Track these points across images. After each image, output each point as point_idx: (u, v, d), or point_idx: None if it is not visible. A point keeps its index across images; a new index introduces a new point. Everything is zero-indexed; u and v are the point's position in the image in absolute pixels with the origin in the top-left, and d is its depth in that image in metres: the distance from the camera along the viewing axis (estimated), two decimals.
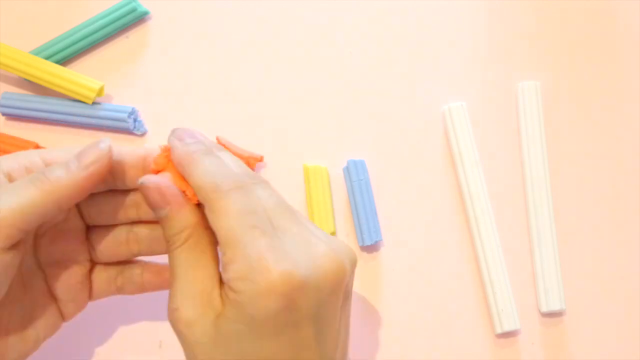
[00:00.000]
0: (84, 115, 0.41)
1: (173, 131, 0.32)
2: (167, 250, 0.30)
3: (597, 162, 0.43)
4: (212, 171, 0.29)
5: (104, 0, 0.44)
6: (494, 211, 0.41)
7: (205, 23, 0.44)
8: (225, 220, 0.28)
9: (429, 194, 0.42)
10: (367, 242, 0.39)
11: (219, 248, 0.29)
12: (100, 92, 0.41)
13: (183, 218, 0.30)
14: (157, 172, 0.31)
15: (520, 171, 0.42)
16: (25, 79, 0.42)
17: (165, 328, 0.39)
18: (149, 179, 0.30)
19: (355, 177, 0.40)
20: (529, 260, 0.41)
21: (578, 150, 0.43)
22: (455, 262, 0.41)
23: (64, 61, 0.43)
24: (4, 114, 0.42)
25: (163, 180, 0.30)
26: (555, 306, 0.39)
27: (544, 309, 0.39)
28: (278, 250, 0.27)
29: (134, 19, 0.43)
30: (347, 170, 0.41)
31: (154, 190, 0.30)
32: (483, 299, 0.40)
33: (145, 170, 0.32)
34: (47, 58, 0.42)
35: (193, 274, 0.29)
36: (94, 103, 0.41)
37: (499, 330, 0.39)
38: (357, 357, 0.39)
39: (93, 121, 0.41)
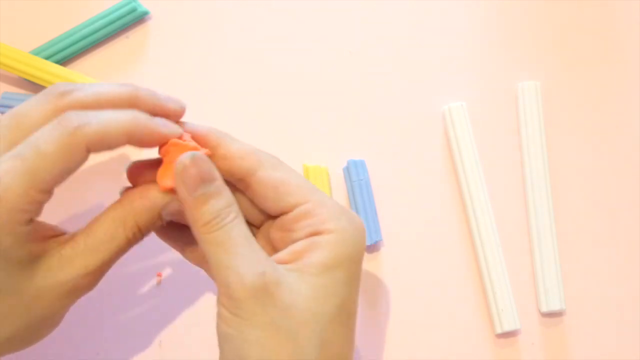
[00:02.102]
0: None
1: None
2: (214, 226, 0.28)
3: (597, 162, 0.43)
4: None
5: (104, 0, 0.44)
6: (494, 211, 0.41)
7: (205, 23, 0.44)
8: (293, 179, 0.30)
9: (429, 194, 0.42)
10: (367, 242, 0.39)
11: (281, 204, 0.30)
12: None
13: (229, 192, 0.29)
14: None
15: (520, 171, 0.42)
16: (25, 79, 0.42)
17: (165, 328, 0.39)
18: (197, 153, 0.29)
19: (355, 177, 0.40)
20: (529, 260, 0.41)
21: (578, 150, 0.43)
22: (455, 262, 0.41)
23: (64, 61, 0.43)
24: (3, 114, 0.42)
25: (204, 155, 0.29)
26: (555, 306, 0.39)
27: (544, 309, 0.39)
28: (346, 208, 0.31)
29: (134, 19, 0.44)
30: (347, 170, 0.41)
31: (206, 163, 0.29)
32: (483, 299, 0.40)
33: None
34: (47, 58, 0.42)
35: (256, 244, 0.29)
36: None
37: (499, 330, 0.39)
38: (357, 356, 0.39)
39: None
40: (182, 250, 0.34)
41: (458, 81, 0.44)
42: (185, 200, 0.29)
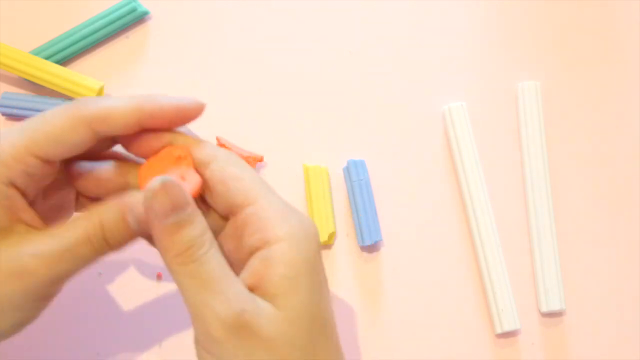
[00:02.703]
0: None
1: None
2: (188, 258, 0.27)
3: (597, 162, 0.43)
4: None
5: (104, 0, 0.44)
6: (494, 211, 0.41)
7: (205, 23, 0.44)
8: (246, 176, 0.29)
9: (429, 194, 0.42)
10: (367, 242, 0.39)
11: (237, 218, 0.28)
12: (100, 92, 0.41)
13: (202, 216, 0.28)
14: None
15: (520, 171, 0.42)
16: (25, 79, 0.42)
17: (165, 328, 0.39)
18: (167, 178, 0.27)
19: (355, 177, 0.40)
20: (529, 260, 0.41)
21: (578, 150, 0.43)
22: (455, 262, 0.41)
23: (64, 61, 0.43)
24: (4, 114, 0.42)
25: (176, 180, 0.28)
26: (555, 306, 0.39)
27: (544, 309, 0.39)
28: (294, 208, 0.29)
29: (134, 19, 0.44)
30: (347, 170, 0.41)
31: (178, 189, 0.27)
32: (483, 299, 0.40)
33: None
34: (47, 58, 0.42)
35: (233, 276, 0.27)
36: None
37: (499, 330, 0.39)
38: (357, 357, 0.39)
39: None
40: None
41: (458, 81, 0.44)
42: (154, 228, 0.27)
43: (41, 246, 0.27)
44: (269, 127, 0.43)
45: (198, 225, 0.27)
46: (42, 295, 0.29)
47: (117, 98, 0.29)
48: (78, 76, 0.41)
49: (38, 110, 0.41)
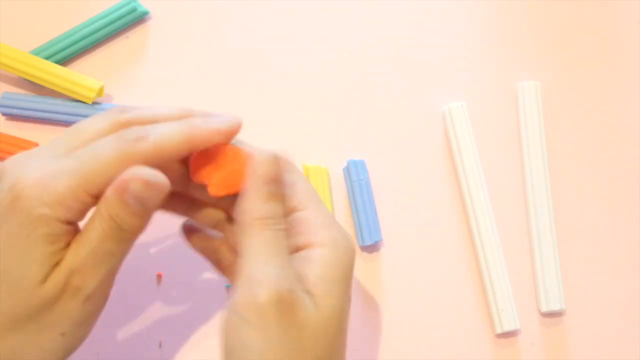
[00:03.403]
0: (84, 115, 0.41)
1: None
2: (266, 226, 0.29)
3: (597, 162, 0.43)
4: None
5: (104, 0, 0.44)
6: (494, 211, 0.41)
7: (205, 23, 0.44)
8: (303, 188, 0.31)
9: (429, 194, 0.42)
10: (367, 242, 0.39)
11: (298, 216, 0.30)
12: (100, 92, 0.41)
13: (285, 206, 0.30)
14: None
15: (520, 171, 0.42)
16: (25, 79, 0.42)
17: (165, 328, 0.39)
18: (278, 154, 0.30)
19: (355, 177, 0.40)
20: (529, 260, 0.41)
21: (578, 150, 0.43)
22: (455, 262, 0.41)
23: (64, 61, 0.43)
24: (4, 114, 0.42)
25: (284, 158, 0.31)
26: (555, 306, 0.39)
27: (544, 309, 0.39)
28: (338, 223, 0.31)
29: (134, 19, 0.44)
30: (347, 170, 0.41)
31: (283, 166, 0.30)
32: (483, 299, 0.40)
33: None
34: (47, 58, 0.42)
35: (289, 261, 0.29)
36: (94, 103, 0.41)
37: (499, 330, 0.39)
38: (357, 357, 0.39)
39: None
40: (186, 213, 0.34)
41: (458, 81, 0.44)
42: (250, 190, 0.29)
43: (74, 262, 0.29)
44: (269, 127, 0.43)
45: (282, 205, 0.30)
46: (97, 305, 0.31)
47: (165, 126, 0.29)
48: (78, 76, 0.41)
49: (38, 110, 0.41)
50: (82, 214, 0.29)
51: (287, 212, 0.30)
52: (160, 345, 0.39)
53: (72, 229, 0.29)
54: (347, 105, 0.43)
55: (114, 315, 0.39)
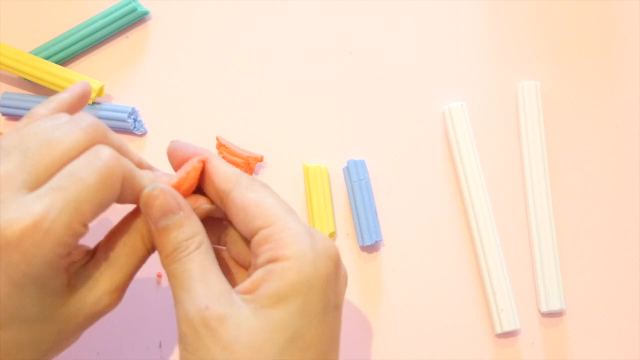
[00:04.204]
0: None
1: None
2: (173, 259, 0.29)
3: (597, 162, 0.43)
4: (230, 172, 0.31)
5: (104, 0, 0.44)
6: (494, 211, 0.41)
7: (205, 23, 0.44)
8: (266, 201, 0.30)
9: (429, 194, 0.42)
10: (367, 242, 0.39)
11: (250, 227, 0.29)
12: (100, 92, 0.41)
13: (195, 222, 0.30)
14: None
15: (520, 171, 0.42)
16: (25, 79, 0.42)
17: (165, 328, 0.39)
18: (160, 185, 0.29)
19: (355, 177, 0.40)
20: (529, 260, 0.41)
21: (578, 150, 0.43)
22: (455, 262, 0.41)
23: (64, 61, 0.43)
24: (4, 114, 0.42)
25: (170, 187, 0.30)
26: (555, 306, 0.39)
27: (544, 309, 0.39)
28: (314, 230, 0.30)
29: (134, 19, 0.44)
30: (347, 170, 0.41)
31: (170, 195, 0.29)
32: (483, 299, 0.40)
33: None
34: (47, 58, 0.42)
35: (212, 276, 0.28)
36: (94, 103, 0.41)
37: (499, 330, 0.39)
38: (357, 357, 0.39)
39: None
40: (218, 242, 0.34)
41: (458, 81, 0.44)
42: (151, 231, 0.30)
43: (114, 281, 0.30)
44: (269, 127, 0.43)
45: (187, 228, 0.29)
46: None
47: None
48: (78, 76, 0.41)
49: None
50: (78, 240, 0.28)
51: (254, 231, 0.29)
52: (160, 345, 0.39)
53: (72, 253, 0.29)
54: (347, 105, 0.43)
55: (114, 315, 0.39)
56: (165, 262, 0.29)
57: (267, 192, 0.30)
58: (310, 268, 0.28)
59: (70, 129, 0.29)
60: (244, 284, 0.28)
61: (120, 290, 0.30)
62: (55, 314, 0.29)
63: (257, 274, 0.28)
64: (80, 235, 0.28)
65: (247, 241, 0.31)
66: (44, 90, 0.42)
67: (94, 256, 0.30)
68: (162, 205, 0.29)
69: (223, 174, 0.30)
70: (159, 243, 0.29)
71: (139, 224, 0.30)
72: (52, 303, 0.28)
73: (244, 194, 0.30)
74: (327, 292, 0.28)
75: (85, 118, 0.29)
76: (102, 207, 0.28)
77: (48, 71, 0.41)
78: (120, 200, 0.29)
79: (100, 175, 0.27)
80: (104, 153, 0.28)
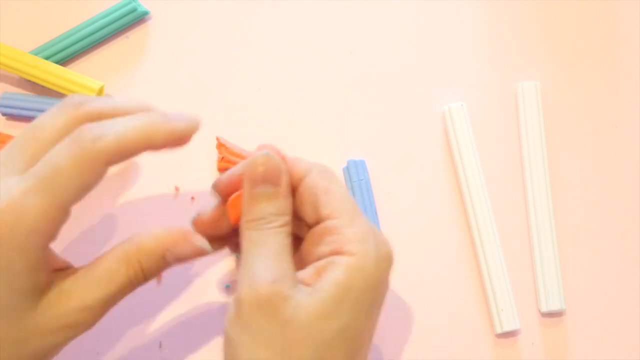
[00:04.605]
0: None
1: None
2: (256, 225, 0.29)
3: (597, 162, 0.43)
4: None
5: (104, 0, 0.44)
6: (494, 211, 0.41)
7: (205, 23, 0.44)
8: (336, 191, 0.30)
9: (429, 194, 0.42)
10: None
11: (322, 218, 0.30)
12: (100, 92, 0.41)
13: (288, 203, 0.30)
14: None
15: (520, 171, 0.42)
16: (25, 79, 0.42)
17: (165, 328, 0.39)
18: (270, 154, 0.30)
19: (355, 177, 0.40)
20: (529, 260, 0.41)
21: (578, 150, 0.43)
22: (455, 262, 0.41)
23: (64, 61, 0.43)
24: (4, 114, 0.42)
25: (279, 158, 0.30)
26: (555, 306, 0.39)
27: (544, 309, 0.39)
28: (378, 230, 0.31)
29: (134, 19, 0.44)
30: (347, 170, 0.41)
31: (276, 166, 0.30)
32: (483, 299, 0.40)
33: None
34: (47, 58, 0.42)
35: (286, 257, 0.29)
36: None
37: (499, 330, 0.39)
38: None
39: None
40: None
41: (458, 81, 0.44)
42: (244, 192, 0.30)
43: (87, 299, 0.29)
44: (269, 127, 0.43)
45: (278, 203, 0.30)
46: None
47: (122, 122, 0.29)
48: (78, 76, 0.41)
49: (38, 110, 0.41)
50: (56, 232, 0.28)
51: (319, 219, 0.30)
52: (160, 346, 0.39)
53: (50, 251, 0.29)
54: (347, 105, 0.43)
55: (114, 315, 0.39)
56: (246, 226, 0.29)
57: (338, 182, 0.31)
58: (372, 269, 0.29)
59: (54, 113, 0.29)
60: (306, 272, 0.29)
61: (90, 310, 0.29)
62: (20, 318, 0.28)
63: (319, 264, 0.29)
64: (57, 221, 0.27)
65: (304, 225, 0.31)
66: (44, 90, 0.42)
67: (75, 272, 0.30)
68: (265, 173, 0.30)
69: (297, 160, 0.31)
70: (248, 205, 0.30)
71: (124, 251, 0.30)
72: (20, 303, 0.27)
73: (316, 181, 0.30)
74: (378, 292, 0.30)
75: (69, 100, 0.29)
76: (81, 190, 0.27)
77: (48, 71, 0.41)
78: (159, 147, 0.29)
79: (75, 160, 0.27)
80: (82, 136, 0.27)
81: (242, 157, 0.41)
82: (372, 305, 0.29)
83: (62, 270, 0.30)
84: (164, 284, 0.40)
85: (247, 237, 0.29)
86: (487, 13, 0.45)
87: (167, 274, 0.40)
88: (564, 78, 0.44)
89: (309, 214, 0.31)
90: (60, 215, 0.27)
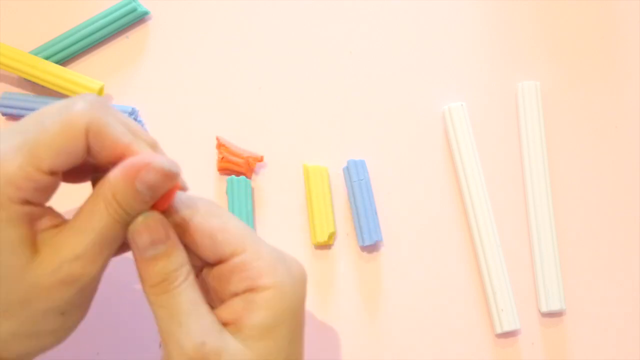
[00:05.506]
0: None
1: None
2: (161, 290, 0.28)
3: (597, 161, 0.43)
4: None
5: (104, 0, 0.44)
6: (494, 211, 0.41)
7: (205, 23, 0.44)
8: (231, 226, 0.29)
9: (429, 194, 0.42)
10: (367, 242, 0.39)
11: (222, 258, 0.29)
12: (100, 92, 0.41)
13: (182, 252, 0.29)
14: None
15: (520, 171, 0.42)
16: (25, 79, 0.42)
17: None
18: (150, 214, 0.28)
19: (355, 177, 0.40)
20: (529, 260, 0.41)
21: (578, 150, 0.43)
22: (455, 262, 0.41)
23: (64, 61, 0.43)
24: (4, 114, 0.42)
25: (158, 214, 0.29)
26: (555, 306, 0.39)
27: (544, 309, 0.39)
28: (283, 251, 0.30)
29: (134, 19, 0.44)
30: (347, 170, 0.41)
31: (159, 225, 0.28)
32: (483, 299, 0.40)
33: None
34: (47, 58, 0.42)
35: (203, 309, 0.28)
36: None
37: (499, 330, 0.39)
38: (357, 356, 0.39)
39: None
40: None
41: (458, 81, 0.44)
42: (136, 259, 0.29)
43: (76, 248, 0.28)
44: (269, 127, 0.43)
45: (175, 259, 0.28)
46: (90, 292, 0.30)
47: (112, 118, 0.28)
48: (78, 76, 0.41)
49: None
50: (38, 193, 0.27)
51: (222, 258, 0.29)
52: (160, 345, 0.39)
53: (36, 210, 0.28)
54: (347, 105, 0.43)
55: (114, 315, 0.39)
56: (152, 292, 0.28)
57: (229, 215, 0.30)
58: (291, 295, 0.28)
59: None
60: (221, 313, 0.28)
61: (82, 260, 0.28)
62: (16, 276, 0.27)
63: (236, 304, 0.28)
64: (37, 181, 0.27)
65: (206, 265, 0.30)
66: (44, 90, 0.42)
67: (64, 223, 0.29)
68: (151, 235, 0.28)
69: (179, 199, 0.29)
70: (145, 273, 0.28)
71: (99, 188, 0.28)
72: (10, 259, 0.27)
73: (208, 221, 0.29)
74: (301, 314, 0.29)
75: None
76: (61, 156, 0.27)
77: (48, 71, 0.41)
78: (94, 157, 0.28)
79: (61, 123, 0.27)
80: (75, 103, 0.27)
81: (242, 157, 0.41)
82: (300, 330, 0.29)
83: (56, 227, 0.29)
84: None
85: (157, 304, 0.28)
86: (487, 13, 0.45)
87: None
88: (564, 78, 0.44)
89: (208, 255, 0.29)
90: (39, 175, 0.27)
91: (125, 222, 0.28)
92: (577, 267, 0.41)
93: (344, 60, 0.44)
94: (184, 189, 0.31)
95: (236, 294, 0.28)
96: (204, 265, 0.30)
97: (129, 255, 0.31)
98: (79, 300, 0.29)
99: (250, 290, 0.28)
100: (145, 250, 0.28)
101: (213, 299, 0.30)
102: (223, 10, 0.45)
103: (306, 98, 0.43)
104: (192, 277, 0.29)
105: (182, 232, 0.29)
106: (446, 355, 0.39)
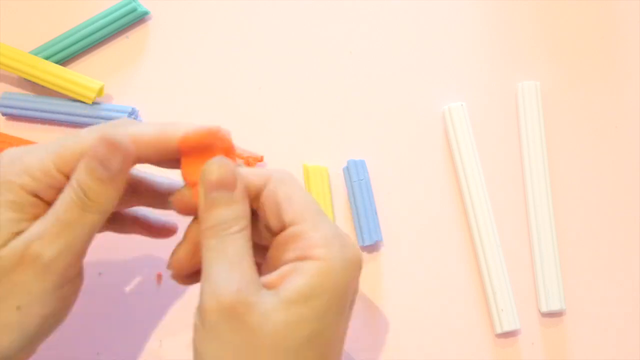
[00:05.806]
0: (84, 115, 0.41)
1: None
2: (214, 233, 0.29)
3: (597, 161, 0.43)
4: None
5: (104, 0, 0.44)
6: (494, 211, 0.41)
7: (205, 23, 0.44)
8: (297, 197, 0.30)
9: (429, 194, 0.42)
10: (367, 242, 0.39)
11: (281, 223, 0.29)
12: (100, 92, 0.41)
13: (245, 207, 0.29)
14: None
15: (520, 171, 0.42)
16: (25, 79, 0.42)
17: (165, 328, 0.39)
18: (225, 160, 0.30)
19: (355, 177, 0.40)
20: (529, 260, 0.41)
21: (578, 150, 0.43)
22: (455, 262, 0.41)
23: (64, 61, 0.43)
24: (4, 114, 0.42)
25: (233, 163, 0.30)
26: (555, 306, 0.39)
27: (544, 309, 0.39)
28: (344, 233, 0.30)
29: (134, 19, 0.44)
30: (347, 170, 0.41)
31: (230, 172, 0.29)
32: (483, 299, 0.40)
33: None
34: (47, 58, 0.42)
35: (247, 263, 0.28)
36: (94, 103, 0.41)
37: (499, 330, 0.39)
38: (357, 357, 0.39)
39: (93, 121, 0.41)
40: None
41: (458, 81, 0.44)
42: (200, 199, 0.29)
43: (38, 228, 0.29)
44: (269, 127, 0.43)
45: (234, 208, 0.29)
46: (58, 280, 0.29)
47: (150, 125, 0.31)
48: (78, 76, 0.41)
49: (38, 110, 0.41)
50: (50, 189, 0.29)
51: (283, 226, 0.29)
52: (160, 345, 0.39)
53: (39, 203, 0.29)
54: (347, 105, 0.43)
55: (114, 315, 0.39)
56: (205, 234, 0.29)
57: (298, 187, 0.30)
58: (338, 273, 0.28)
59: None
60: (271, 276, 0.28)
61: (42, 240, 0.28)
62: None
63: (284, 269, 0.28)
64: (53, 178, 0.29)
65: (270, 232, 0.31)
66: (44, 90, 0.42)
67: None
68: (221, 179, 0.29)
69: (253, 170, 0.31)
70: (203, 214, 0.29)
71: (70, 186, 0.30)
72: (5, 230, 0.28)
73: (277, 188, 0.30)
74: (347, 296, 0.29)
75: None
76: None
77: (48, 71, 0.41)
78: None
79: (92, 135, 0.29)
80: (108, 124, 0.31)
81: (242, 157, 0.41)
82: (340, 311, 0.29)
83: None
84: (164, 284, 0.40)
85: (206, 246, 0.29)
86: (487, 13, 0.45)
87: (167, 274, 0.40)
88: (564, 78, 0.44)
89: (273, 223, 0.30)
90: (56, 174, 0.29)
91: (85, 205, 0.29)
92: (577, 267, 0.41)
93: (344, 60, 0.44)
94: (231, 148, 0.31)
95: (288, 262, 0.29)
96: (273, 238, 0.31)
97: (128, 256, 0.31)
98: (37, 290, 0.29)
99: (300, 258, 0.28)
100: (212, 191, 0.29)
101: (270, 270, 0.30)
102: (223, 10, 0.45)
103: (306, 98, 0.43)
104: (246, 232, 0.29)
105: (255, 199, 0.30)
106: (446, 355, 0.39)
